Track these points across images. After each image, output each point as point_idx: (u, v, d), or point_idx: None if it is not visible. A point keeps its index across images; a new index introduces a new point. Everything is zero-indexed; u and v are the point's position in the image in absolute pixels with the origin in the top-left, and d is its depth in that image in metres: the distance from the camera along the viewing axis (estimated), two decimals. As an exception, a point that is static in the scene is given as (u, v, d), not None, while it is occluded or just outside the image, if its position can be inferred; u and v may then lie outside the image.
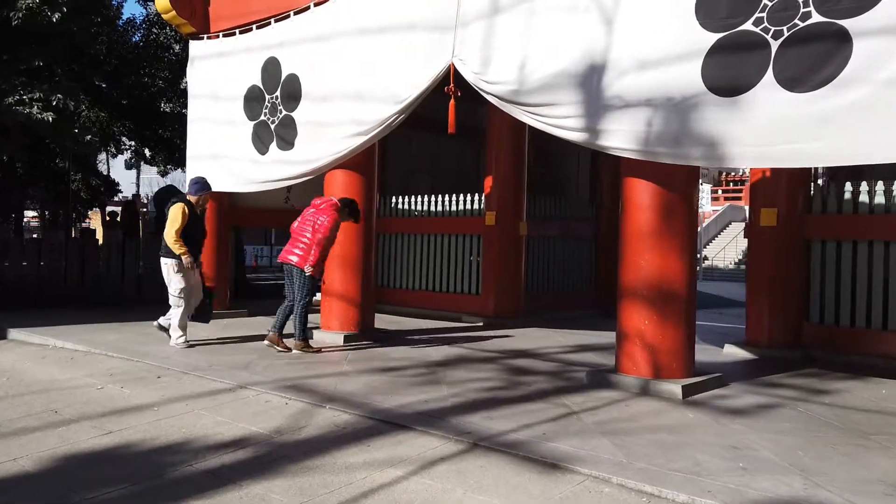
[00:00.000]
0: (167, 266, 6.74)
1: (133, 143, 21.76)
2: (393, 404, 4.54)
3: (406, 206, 10.66)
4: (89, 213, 34.97)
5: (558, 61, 5.33)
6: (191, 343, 6.84)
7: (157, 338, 7.24)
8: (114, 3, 17.33)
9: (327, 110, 7.24)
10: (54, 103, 8.97)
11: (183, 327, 6.83)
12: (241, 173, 8.20)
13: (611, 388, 5.16)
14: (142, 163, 31.29)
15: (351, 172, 7.35)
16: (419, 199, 10.45)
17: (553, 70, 5.36)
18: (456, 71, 6.19)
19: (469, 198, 9.93)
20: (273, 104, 7.81)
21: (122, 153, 23.49)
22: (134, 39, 18.48)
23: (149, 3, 18.09)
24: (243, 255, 14.60)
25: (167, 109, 18.15)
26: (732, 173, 44.75)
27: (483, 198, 9.67)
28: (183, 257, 6.66)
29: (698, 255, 28.44)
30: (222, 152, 8.41)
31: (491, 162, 9.52)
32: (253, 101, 8.04)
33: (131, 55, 17.60)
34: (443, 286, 10.19)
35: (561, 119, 5.42)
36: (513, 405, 4.58)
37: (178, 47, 17.62)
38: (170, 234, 6.62)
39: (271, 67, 7.85)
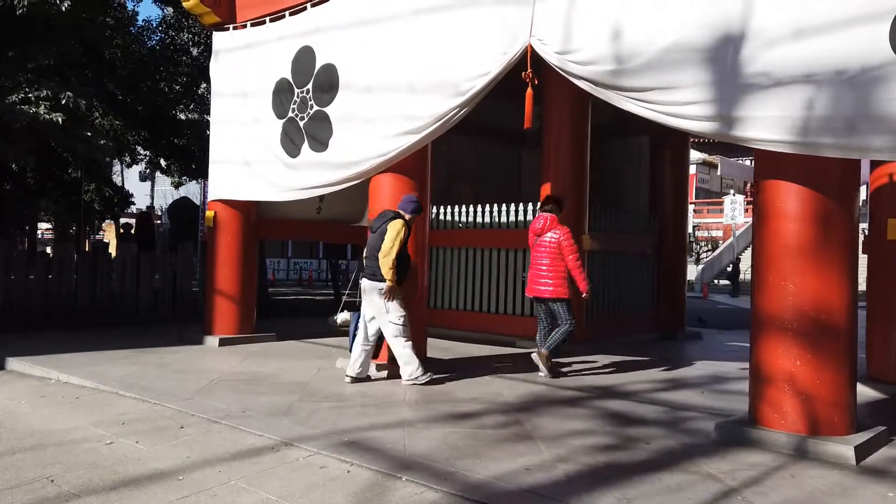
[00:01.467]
0: (379, 291, 5.70)
1: (148, 152, 20.97)
2: (488, 474, 3.47)
3: (449, 217, 9.62)
4: (104, 224, 34.36)
5: (674, 33, 4.28)
6: (427, 378, 5.74)
7: (175, 370, 6.22)
8: (129, 5, 16.55)
9: (370, 104, 6.23)
10: (63, 102, 8.04)
11: (413, 357, 5.75)
12: (275, 179, 7.19)
13: (753, 447, 4.06)
14: (156, 174, 30.62)
15: (400, 177, 6.32)
16: (465, 209, 9.41)
17: (666, 43, 4.31)
18: (534, 53, 5.17)
19: (521, 207, 8.87)
20: (302, 98, 6.82)
21: (137, 163, 22.69)
22: (150, 44, 17.65)
23: (165, 7, 17.31)
24: (265, 269, 13.61)
25: (183, 117, 17.26)
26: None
27: (539, 207, 8.59)
28: (387, 283, 5.63)
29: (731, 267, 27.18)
30: (251, 156, 7.43)
31: (548, 167, 8.47)
32: (281, 95, 7.06)
33: (147, 59, 16.76)
34: (492, 306, 9.12)
35: (680, 106, 4.36)
36: (644, 476, 3.49)
37: (195, 51, 16.76)
38: (391, 254, 5.58)
39: (304, 58, 6.87)
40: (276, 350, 7.61)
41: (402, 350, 5.72)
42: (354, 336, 6.04)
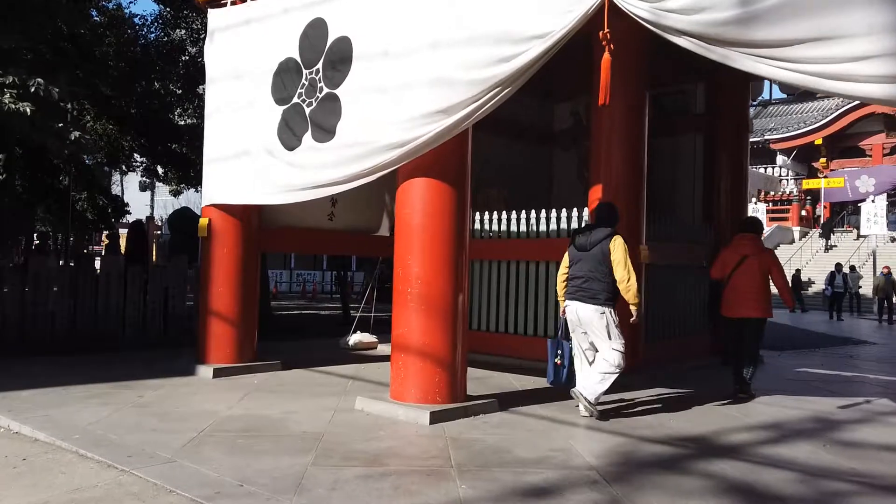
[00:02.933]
0: (605, 315, 5.07)
1: (144, 159, 19.86)
2: None
3: (480, 226, 8.42)
4: (103, 235, 33.15)
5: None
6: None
7: (157, 413, 5.01)
8: (123, 2, 15.49)
9: (390, 72, 5.07)
10: (33, 90, 6.88)
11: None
12: (273, 178, 6.02)
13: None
14: (156, 184, 29.51)
15: (435, 183, 5.14)
16: (498, 216, 8.21)
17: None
18: (612, 6, 4.03)
19: (565, 214, 7.67)
20: (312, 80, 5.66)
21: (133, 170, 21.57)
22: (143, 42, 16.55)
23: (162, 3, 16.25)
24: (267, 284, 12.40)
25: (181, 122, 16.17)
26: (773, 192, 42.14)
27: (587, 214, 7.40)
28: (634, 308, 5.14)
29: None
30: (246, 151, 6.25)
31: (598, 166, 7.25)
32: (286, 77, 5.91)
33: (141, 57, 15.65)
34: (529, 328, 7.91)
35: (840, 64, 3.18)
36: None
37: (193, 49, 15.68)
38: (632, 277, 5.03)
39: (314, 32, 5.72)
40: (282, 383, 6.39)
41: (607, 384, 5.10)
42: (556, 367, 5.32)
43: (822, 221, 35.87)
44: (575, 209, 7.59)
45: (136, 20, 16.19)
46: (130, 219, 26.36)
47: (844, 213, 36.01)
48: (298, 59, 5.79)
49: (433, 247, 5.09)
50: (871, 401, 6.28)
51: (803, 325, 16.62)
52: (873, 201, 29.01)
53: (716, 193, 9.04)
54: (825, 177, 35.24)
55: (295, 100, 5.79)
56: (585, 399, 5.08)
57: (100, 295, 8.89)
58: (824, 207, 35.98)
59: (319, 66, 5.59)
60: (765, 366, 8.66)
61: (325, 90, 5.53)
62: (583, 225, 5.82)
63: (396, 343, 5.23)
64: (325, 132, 5.53)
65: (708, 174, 9.13)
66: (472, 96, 4.69)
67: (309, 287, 27.32)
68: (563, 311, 5.34)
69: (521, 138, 10.21)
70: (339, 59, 5.41)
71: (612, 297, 5.10)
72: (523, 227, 7.98)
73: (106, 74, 15.19)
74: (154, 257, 24.38)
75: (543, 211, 7.84)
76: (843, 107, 34.69)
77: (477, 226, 8.40)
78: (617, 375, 5.10)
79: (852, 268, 25.44)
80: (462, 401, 5.21)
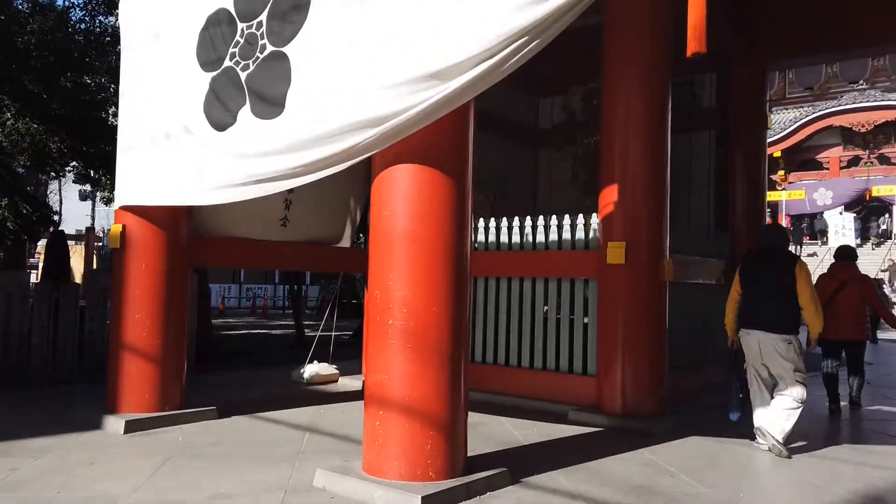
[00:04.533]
0: (792, 345, 4.84)
1: (76, 162, 17.93)
2: None
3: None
4: (38, 247, 30.49)
5: None
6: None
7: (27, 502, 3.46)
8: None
9: (364, 19, 3.71)
10: None
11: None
12: (201, 170, 4.56)
13: None
14: (97, 193, 27.27)
15: (427, 171, 3.74)
16: (486, 224, 6.87)
17: None
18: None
19: (569, 221, 6.37)
20: (250, 37, 4.25)
21: (63, 175, 19.54)
22: (70, 31, 14.75)
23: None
24: (208, 303, 10.74)
25: (115, 121, 14.42)
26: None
27: (597, 221, 6.11)
28: (815, 336, 5.01)
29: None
30: (167, 132, 4.77)
31: (612, 165, 5.96)
32: (215, 34, 4.48)
33: (69, 45, 13.86)
34: (529, 360, 6.56)
35: None
36: None
37: (128, 38, 14.00)
38: (819, 303, 4.92)
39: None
40: (216, 440, 4.87)
41: (794, 420, 4.81)
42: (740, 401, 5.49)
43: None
44: (581, 217, 6.29)
45: (60, 2, 14.44)
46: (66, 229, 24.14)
47: (804, 225, 35.89)
48: (232, 10, 4.35)
49: (425, 262, 3.70)
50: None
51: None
52: (841, 214, 28.79)
53: (731, 199, 7.88)
54: (784, 189, 35.13)
55: (227, 63, 4.35)
56: (774, 438, 4.80)
57: (22, 320, 7.26)
58: (786, 219, 35.83)
59: (263, 17, 4.16)
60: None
61: (269, 48, 4.10)
62: (755, 249, 5.40)
63: (373, 394, 3.80)
64: (269, 104, 4.10)
65: (721, 176, 7.97)
66: (482, 52, 3.34)
67: (260, 302, 25.45)
68: (734, 341, 5.26)
69: (506, 136, 8.92)
70: (292, 5, 3.99)
71: (796, 325, 4.86)
72: (517, 238, 6.65)
73: (28, 66, 13.49)
74: (82, 274, 22.24)
75: (541, 218, 6.52)
76: (800, 119, 34.63)
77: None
78: (801, 409, 4.84)
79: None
80: (462, 473, 3.80)
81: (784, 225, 6.24)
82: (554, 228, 6.43)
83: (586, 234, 6.26)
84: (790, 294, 4.82)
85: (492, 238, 6.82)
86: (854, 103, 32.99)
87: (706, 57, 7.69)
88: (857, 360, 6.78)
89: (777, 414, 4.81)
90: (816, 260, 30.23)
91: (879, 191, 31.27)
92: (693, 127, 7.97)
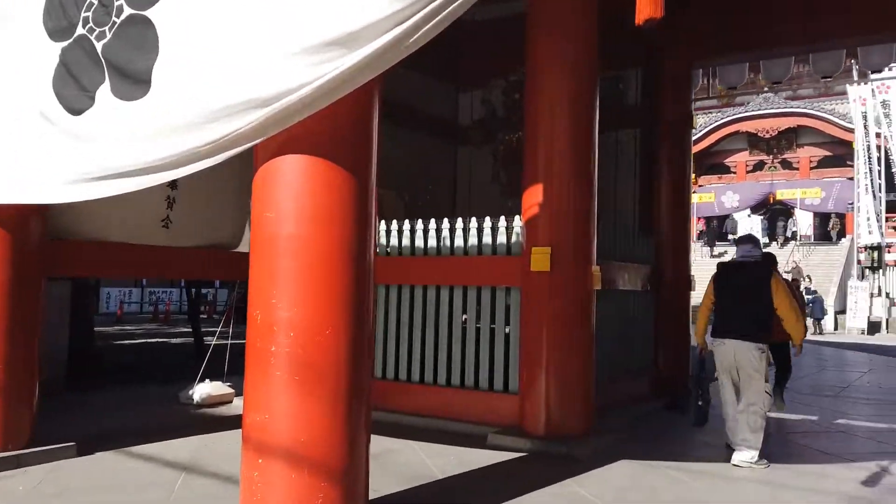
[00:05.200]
0: (764, 354, 4.88)
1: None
2: None
3: (380, 239, 6.40)
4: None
5: None
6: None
7: None
8: None
9: None
10: None
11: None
12: (55, 161, 3.71)
13: None
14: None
15: (322, 166, 3.07)
16: (399, 226, 6.25)
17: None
18: None
19: (490, 224, 5.83)
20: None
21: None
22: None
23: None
24: (89, 310, 9.53)
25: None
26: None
27: (521, 224, 5.58)
28: (799, 345, 5.15)
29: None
30: (13, 115, 3.89)
31: (536, 161, 5.44)
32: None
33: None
34: (445, 377, 5.97)
35: None
36: None
37: None
38: (798, 314, 5.03)
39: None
40: (65, 487, 4.01)
41: (760, 426, 4.87)
42: (699, 409, 5.29)
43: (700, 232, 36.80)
44: (503, 219, 5.76)
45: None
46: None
47: (714, 226, 37.07)
48: (85, -35, 3.53)
49: (318, 274, 3.03)
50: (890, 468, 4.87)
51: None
52: (749, 216, 29.79)
53: (656, 202, 7.55)
54: (695, 192, 36.20)
55: (79, 30, 3.53)
56: (751, 453, 4.80)
57: None
58: (697, 220, 36.92)
59: (121, -28, 3.37)
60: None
61: (128, 11, 3.31)
62: (730, 259, 5.64)
63: (251, 438, 3.09)
64: (132, 82, 3.31)
65: (646, 178, 7.64)
66: (394, 13, 2.70)
67: (162, 307, 23.84)
68: (704, 350, 5.31)
69: (423, 132, 8.32)
70: (156, -44, 3.23)
71: (768, 335, 4.94)
72: (433, 242, 6.06)
73: None
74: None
75: (460, 221, 5.96)
76: (710, 125, 35.71)
77: (383, 239, 6.38)
78: (765, 416, 4.93)
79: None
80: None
81: (755, 235, 6.20)
82: (474, 232, 5.88)
83: (509, 238, 5.74)
84: (764, 304, 4.88)
85: (405, 242, 6.20)
86: (759, 110, 34.29)
87: (633, 52, 7.26)
88: (787, 359, 6.95)
89: (749, 429, 4.85)
90: (726, 259, 31.28)
91: (783, 194, 32.61)
92: (618, 125, 7.60)
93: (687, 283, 7.51)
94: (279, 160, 3.07)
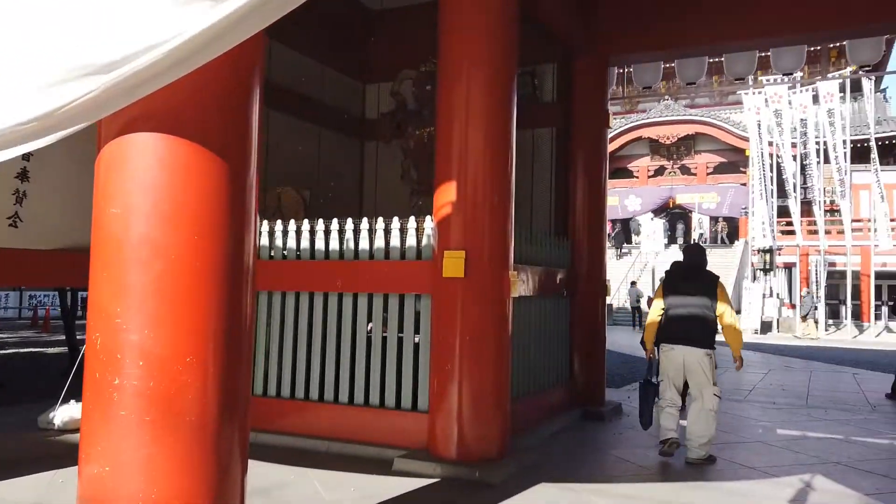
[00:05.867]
0: (712, 358, 5.10)
1: None
2: None
3: (269, 240, 5.75)
4: None
5: None
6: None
7: None
8: None
9: None
10: None
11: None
12: None
13: None
14: None
15: (188, 145, 2.43)
16: (297, 227, 5.62)
17: None
18: None
19: (398, 225, 5.30)
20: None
21: None
22: None
23: None
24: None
25: None
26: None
27: (432, 225, 5.09)
28: (739, 353, 5.29)
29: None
30: None
31: (449, 157, 4.96)
32: None
33: None
34: (348, 394, 5.38)
35: None
36: None
37: None
38: (737, 320, 5.26)
39: None
40: None
41: (712, 426, 5.04)
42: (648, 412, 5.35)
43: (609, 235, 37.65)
44: (412, 220, 5.25)
45: None
46: None
47: (618, 229, 38.06)
48: None
49: (178, 286, 2.40)
50: (811, 481, 4.68)
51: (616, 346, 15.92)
52: (652, 219, 30.63)
53: (572, 203, 7.24)
54: (601, 195, 37.00)
55: None
56: (706, 450, 5.06)
57: None
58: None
59: None
60: (630, 418, 7.00)
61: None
62: (675, 266, 5.55)
63: (88, 498, 2.42)
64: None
65: (562, 179, 7.32)
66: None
67: (42, 313, 21.86)
68: (652, 355, 5.50)
69: (327, 125, 7.69)
70: None
71: (714, 341, 5.15)
72: (335, 245, 5.47)
73: None
74: None
75: (365, 221, 5.40)
76: (615, 130, 36.61)
77: (265, 240, 5.72)
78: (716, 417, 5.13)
79: (633, 283, 26.38)
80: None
81: (700, 244, 6.28)
82: (381, 233, 5.33)
83: (419, 240, 5.23)
84: (712, 312, 5.09)
85: (304, 244, 5.57)
86: (660, 117, 35.45)
87: (548, 47, 6.85)
88: None
89: (697, 422, 5.02)
90: (630, 259, 32.10)
91: (682, 199, 33.83)
92: (534, 123, 7.25)
93: (603, 288, 7.25)
94: (127, 140, 2.42)
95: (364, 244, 5.40)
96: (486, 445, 4.80)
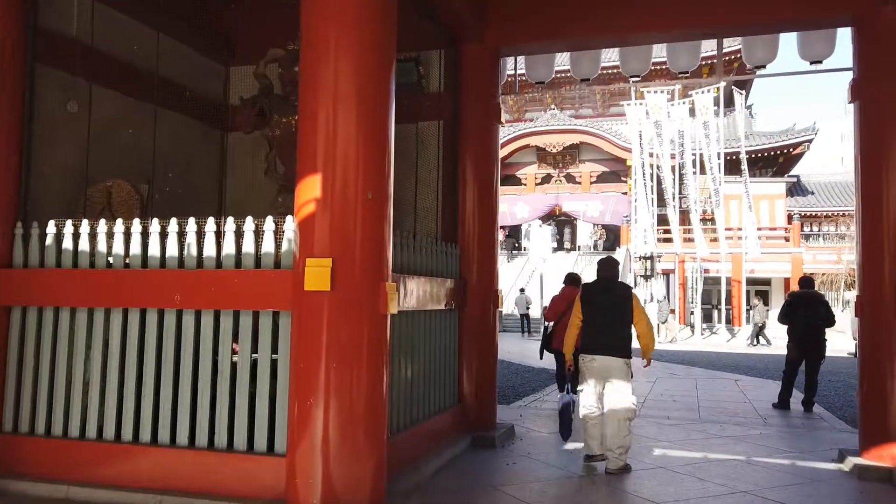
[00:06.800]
0: (630, 368, 5.31)
1: None
2: None
3: (81, 244, 4.65)
4: None
5: None
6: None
7: None
8: None
9: None
10: None
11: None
12: None
13: None
14: None
15: None
16: (126, 228, 4.55)
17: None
18: None
19: (251, 226, 4.37)
20: None
21: None
22: None
23: None
24: None
25: None
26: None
27: (293, 227, 4.20)
28: (647, 354, 5.46)
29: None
30: None
31: (314, 144, 4.10)
32: None
33: None
34: (186, 433, 4.37)
35: None
36: None
37: None
38: (651, 327, 5.44)
39: None
40: None
41: (629, 434, 5.24)
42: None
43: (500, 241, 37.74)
44: (270, 220, 4.35)
45: None
46: None
47: (508, 236, 38.24)
48: None
49: None
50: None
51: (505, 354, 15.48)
52: (541, 226, 30.88)
53: (461, 206, 6.55)
54: (489, 202, 37.07)
55: None
56: (624, 460, 5.17)
57: None
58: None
59: None
60: (525, 443, 6.39)
61: None
62: (594, 278, 5.68)
63: None
64: None
65: (450, 178, 6.61)
66: None
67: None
68: (572, 366, 5.63)
69: (184, 112, 6.61)
70: None
71: (630, 350, 5.31)
72: (174, 251, 4.46)
73: None
74: None
75: (211, 222, 4.44)
76: (503, 138, 36.78)
77: (68, 244, 4.62)
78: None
79: (521, 290, 26.36)
80: None
81: (613, 257, 6.23)
82: (231, 237, 4.38)
83: (277, 245, 4.33)
84: (628, 322, 5.31)
85: (135, 249, 4.52)
86: (546, 125, 35.95)
87: (433, 30, 6.00)
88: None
89: (617, 433, 5.14)
90: (519, 264, 32.18)
91: (568, 206, 34.42)
92: (419, 115, 6.51)
93: (495, 299, 6.59)
94: None
95: (210, 250, 4.42)
96: (358, 492, 3.96)
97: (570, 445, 6.06)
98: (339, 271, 3.93)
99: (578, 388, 5.47)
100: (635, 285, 26.82)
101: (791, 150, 32.78)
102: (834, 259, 32.48)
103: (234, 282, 4.32)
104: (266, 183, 6.26)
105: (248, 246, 4.36)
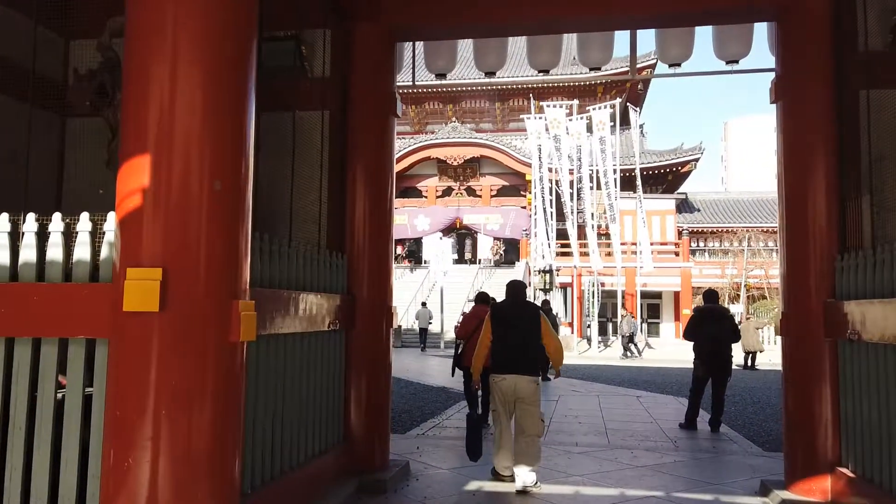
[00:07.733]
0: (539, 386, 5.42)
1: None
2: None
3: None
4: None
5: None
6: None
7: None
8: None
9: None
10: None
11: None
12: None
13: None
14: None
15: None
16: None
17: None
18: None
19: (59, 226, 3.30)
20: None
21: None
22: None
23: None
24: None
25: None
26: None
27: (114, 228, 3.18)
28: (557, 367, 5.75)
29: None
30: None
31: (143, 121, 3.11)
32: None
33: None
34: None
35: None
36: None
37: None
38: (560, 343, 5.72)
39: None
40: None
41: (539, 451, 5.39)
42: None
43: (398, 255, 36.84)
44: (85, 218, 3.30)
45: None
46: None
47: (407, 248, 37.46)
48: None
49: None
50: None
51: (404, 371, 14.55)
52: (441, 239, 30.35)
53: (350, 210, 5.65)
54: (389, 214, 36.25)
55: None
56: (534, 476, 5.21)
57: None
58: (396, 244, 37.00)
59: None
60: (421, 483, 5.53)
61: None
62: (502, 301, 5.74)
63: None
64: None
65: (337, 177, 5.69)
66: None
67: None
68: (478, 385, 6.00)
69: (17, 94, 5.35)
70: None
71: (538, 368, 5.57)
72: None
73: None
74: None
75: (5, 220, 3.33)
76: (403, 149, 36.07)
77: None
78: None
79: (423, 304, 25.58)
80: None
81: (521, 280, 6.03)
82: (33, 239, 3.30)
83: (95, 251, 3.28)
84: (537, 341, 5.41)
85: None
86: (448, 138, 35.61)
87: (316, 5, 5.02)
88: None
89: (528, 452, 5.23)
90: (419, 278, 31.43)
91: (468, 219, 34.13)
92: (299, 102, 5.56)
93: (389, 318, 5.72)
94: None
95: (3, 257, 3.32)
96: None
97: (472, 485, 5.27)
98: (173, 286, 2.95)
99: (491, 407, 5.60)
100: (534, 298, 26.69)
101: (680, 168, 34.02)
102: (718, 273, 33.93)
103: (34, 299, 3.23)
104: (106, 173, 5.11)
105: (56, 252, 3.29)
